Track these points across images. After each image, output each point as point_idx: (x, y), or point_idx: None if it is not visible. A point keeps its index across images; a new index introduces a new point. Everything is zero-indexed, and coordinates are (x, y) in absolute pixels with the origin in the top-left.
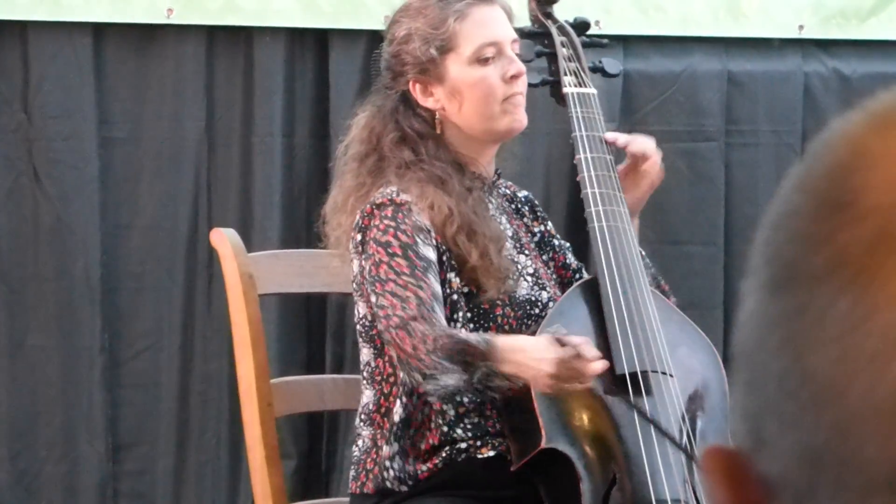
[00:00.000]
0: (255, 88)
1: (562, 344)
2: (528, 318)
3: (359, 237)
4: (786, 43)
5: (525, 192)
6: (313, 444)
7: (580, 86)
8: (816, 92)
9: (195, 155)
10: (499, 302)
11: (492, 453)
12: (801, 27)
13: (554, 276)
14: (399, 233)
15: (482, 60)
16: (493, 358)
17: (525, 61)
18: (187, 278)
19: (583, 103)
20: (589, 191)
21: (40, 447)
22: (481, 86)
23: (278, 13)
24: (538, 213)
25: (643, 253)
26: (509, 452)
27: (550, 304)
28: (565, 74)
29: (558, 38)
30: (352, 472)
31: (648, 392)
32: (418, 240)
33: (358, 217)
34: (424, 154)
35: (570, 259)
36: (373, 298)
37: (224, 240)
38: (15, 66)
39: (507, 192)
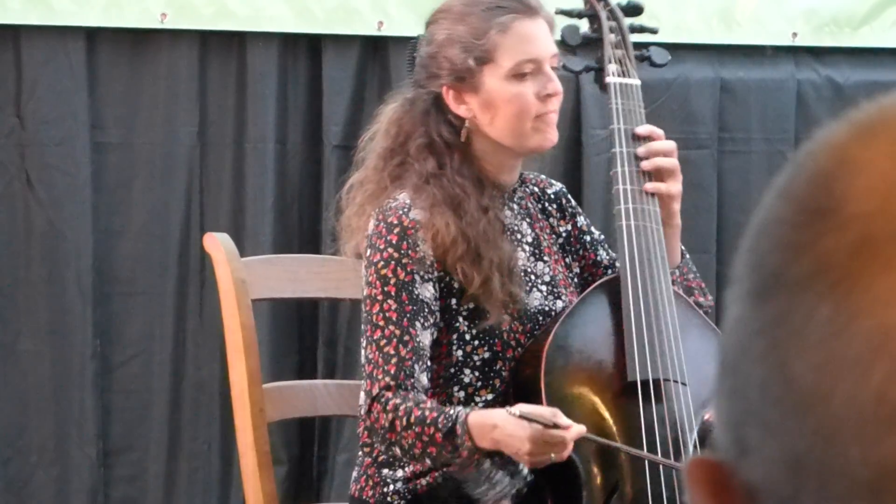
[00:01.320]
0: (247, 94)
1: (530, 419)
2: (538, 331)
3: (367, 252)
4: (779, 51)
5: (557, 188)
6: (305, 449)
7: (624, 75)
8: (809, 99)
9: (188, 160)
10: (506, 317)
11: None
12: (794, 35)
13: (575, 280)
14: (399, 268)
15: (520, 76)
16: (465, 436)
17: (573, 71)
18: (179, 284)
19: (624, 94)
20: (620, 187)
21: (31, 452)
22: (516, 102)
23: (271, 19)
24: (567, 211)
25: (690, 266)
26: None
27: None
28: (610, 62)
29: (607, 24)
30: (354, 473)
31: (658, 400)
32: (416, 277)
33: (371, 226)
34: (448, 167)
35: (602, 255)
36: (362, 341)
37: (217, 244)
38: (7, 71)
39: (536, 189)
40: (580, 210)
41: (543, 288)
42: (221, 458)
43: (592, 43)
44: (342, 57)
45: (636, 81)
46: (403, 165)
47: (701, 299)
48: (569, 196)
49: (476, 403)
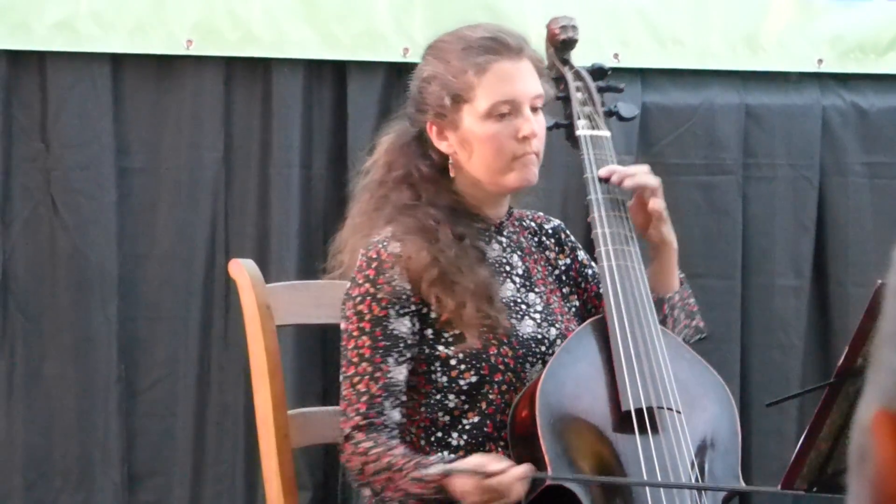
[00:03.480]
0: (272, 119)
1: (461, 471)
2: (531, 356)
3: (348, 286)
4: (804, 77)
5: (554, 223)
6: (329, 475)
7: (593, 128)
8: (834, 126)
9: (212, 185)
10: (493, 342)
11: None
12: (819, 61)
13: (572, 310)
14: (374, 303)
15: (496, 116)
16: (429, 483)
17: (551, 126)
18: (204, 308)
19: (595, 145)
20: (599, 231)
21: (56, 477)
22: (492, 142)
23: (296, 44)
24: (566, 245)
25: (689, 293)
26: None
27: (559, 340)
28: (579, 118)
29: (573, 83)
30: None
31: (654, 428)
32: (391, 312)
33: (358, 260)
34: (423, 198)
35: None
36: (340, 376)
37: (242, 271)
38: (33, 96)
39: (533, 224)
40: (580, 245)
41: (536, 316)
42: (246, 484)
43: (561, 102)
44: (367, 83)
45: (606, 133)
46: (385, 198)
47: (701, 324)
48: (567, 232)
49: (463, 426)
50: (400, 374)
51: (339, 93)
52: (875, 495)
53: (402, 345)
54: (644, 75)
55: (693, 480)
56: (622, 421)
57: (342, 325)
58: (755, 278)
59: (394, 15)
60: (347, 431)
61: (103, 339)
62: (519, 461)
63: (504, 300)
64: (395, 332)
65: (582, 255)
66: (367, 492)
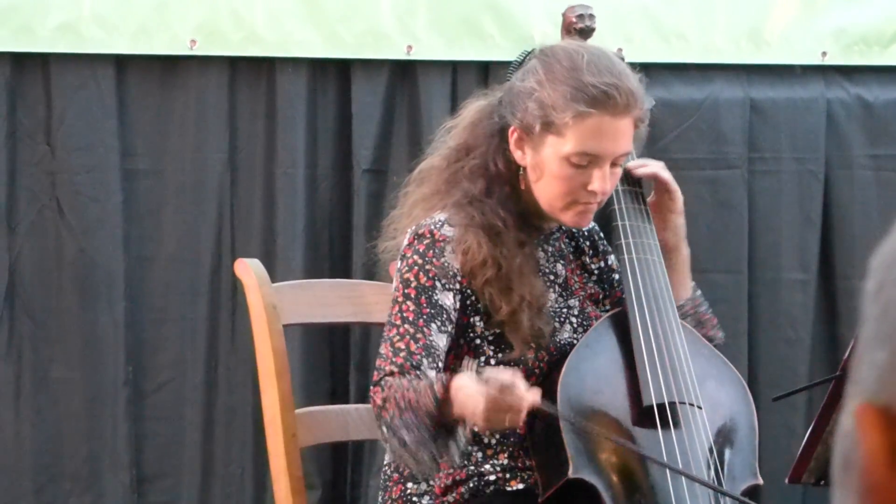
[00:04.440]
0: (277, 119)
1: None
2: (563, 361)
3: (398, 264)
4: (808, 70)
5: (591, 225)
6: (338, 474)
7: None
8: (839, 119)
9: (218, 186)
10: (532, 345)
11: (521, 486)
12: (823, 54)
13: (604, 313)
14: (421, 273)
15: (574, 162)
16: (446, 398)
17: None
18: (210, 310)
19: None
20: (619, 223)
21: (65, 480)
22: (561, 183)
23: (300, 44)
24: (599, 248)
25: (701, 301)
26: (538, 486)
27: None
28: None
29: None
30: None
31: (676, 423)
32: (437, 284)
33: (405, 241)
34: (496, 195)
35: None
36: (381, 341)
37: (249, 270)
38: (37, 99)
39: (570, 228)
40: (610, 249)
41: (574, 320)
42: (254, 484)
43: None
44: (371, 81)
45: None
46: (456, 175)
47: (711, 333)
48: (601, 234)
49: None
50: (441, 340)
51: (343, 92)
52: (861, 490)
53: (444, 316)
54: (648, 70)
55: (712, 475)
56: (643, 415)
57: (392, 294)
58: (761, 273)
59: (397, 13)
60: (378, 378)
61: (110, 341)
62: (539, 458)
63: (548, 310)
64: (439, 302)
65: (612, 259)
66: (384, 429)
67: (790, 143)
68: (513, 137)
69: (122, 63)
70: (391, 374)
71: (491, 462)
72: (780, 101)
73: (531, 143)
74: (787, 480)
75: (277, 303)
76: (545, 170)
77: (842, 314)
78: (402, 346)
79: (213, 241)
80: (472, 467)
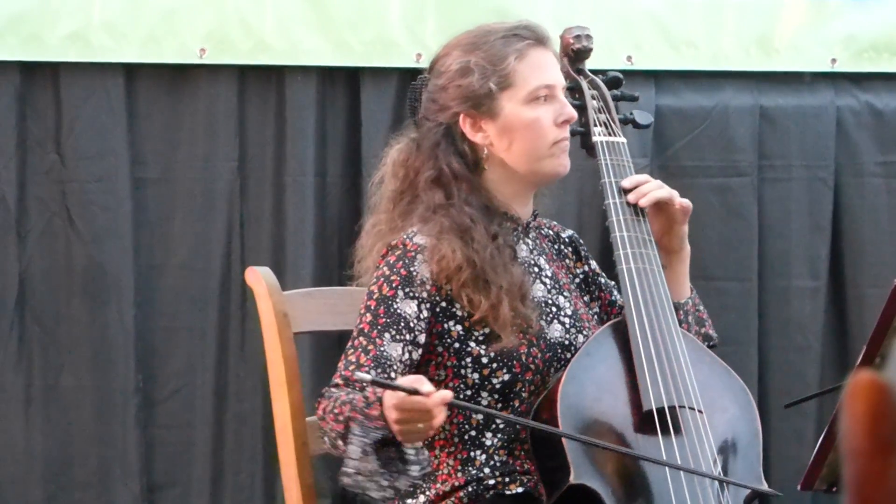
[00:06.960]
0: (286, 128)
1: (383, 386)
2: (556, 361)
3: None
4: (818, 77)
5: (569, 232)
6: None
7: (610, 135)
8: (849, 126)
9: (228, 194)
10: (524, 341)
11: (520, 489)
12: (833, 61)
13: (595, 318)
14: (385, 284)
15: (536, 101)
16: (376, 414)
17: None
18: (220, 318)
19: (612, 151)
20: (617, 234)
21: (75, 488)
22: (534, 126)
23: (309, 52)
24: (582, 254)
25: (699, 300)
26: (537, 490)
27: None
28: (595, 125)
29: (588, 92)
30: None
31: (677, 428)
32: (399, 293)
33: (381, 251)
34: (456, 197)
35: (616, 297)
36: None
37: (259, 278)
38: (47, 108)
39: (550, 232)
40: (591, 255)
41: (566, 321)
42: (265, 492)
43: (577, 110)
44: (380, 89)
45: (622, 139)
46: (412, 202)
47: (711, 332)
48: (581, 241)
49: (497, 425)
50: (394, 350)
51: (352, 100)
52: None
53: (402, 324)
54: (657, 78)
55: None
56: (644, 422)
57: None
58: (771, 280)
59: (406, 21)
60: (325, 390)
61: (120, 349)
62: (540, 463)
63: (535, 300)
64: (398, 311)
65: (594, 264)
66: (326, 441)
67: (800, 150)
68: (466, 125)
69: (131, 71)
70: (335, 385)
71: (490, 464)
72: (790, 109)
73: (488, 114)
74: (799, 487)
75: (288, 310)
76: (514, 126)
77: (852, 321)
78: (353, 360)
79: (223, 250)
80: (473, 471)
